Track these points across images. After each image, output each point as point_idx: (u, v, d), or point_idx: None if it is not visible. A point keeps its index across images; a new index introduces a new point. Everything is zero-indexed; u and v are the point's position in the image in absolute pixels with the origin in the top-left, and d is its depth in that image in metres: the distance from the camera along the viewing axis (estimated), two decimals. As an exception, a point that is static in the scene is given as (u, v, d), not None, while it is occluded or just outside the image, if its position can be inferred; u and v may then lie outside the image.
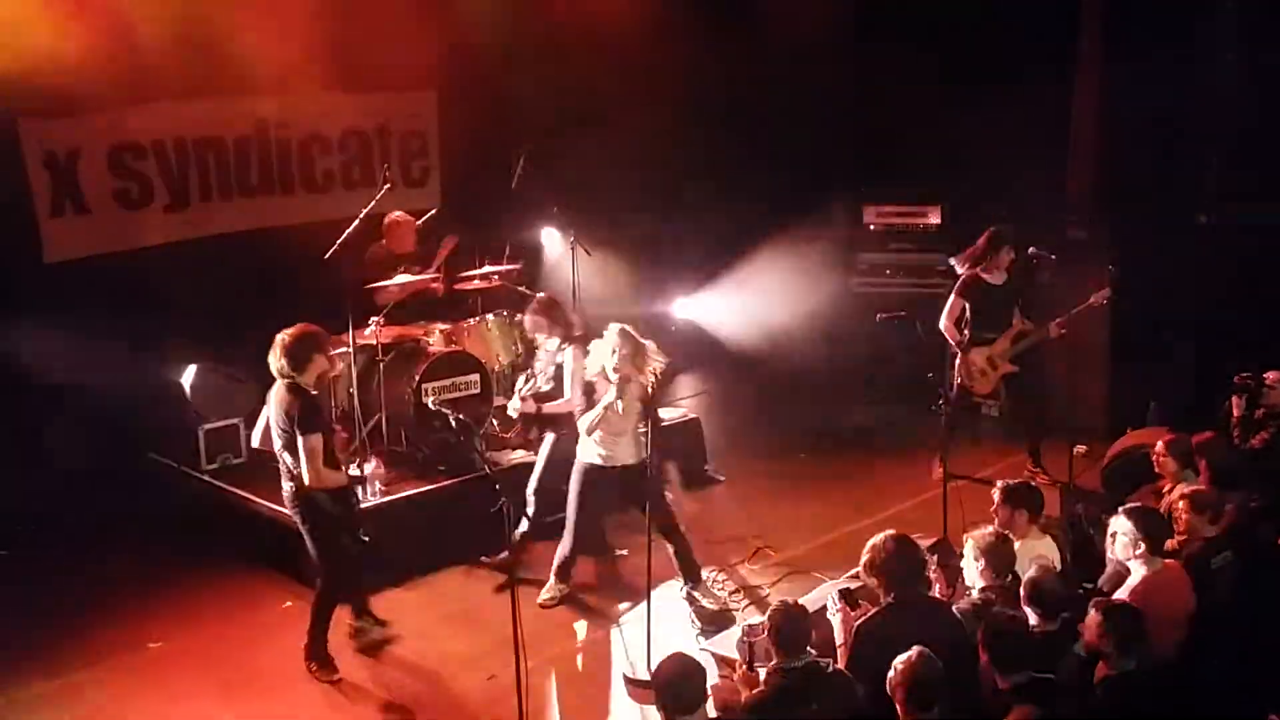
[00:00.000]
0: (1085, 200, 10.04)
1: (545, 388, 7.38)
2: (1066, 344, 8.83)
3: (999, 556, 5.57)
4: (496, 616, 6.77)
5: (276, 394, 6.19)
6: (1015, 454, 8.93)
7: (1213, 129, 9.54)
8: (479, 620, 6.97)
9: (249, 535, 7.53)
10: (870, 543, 5.36)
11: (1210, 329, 9.07)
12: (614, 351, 6.65)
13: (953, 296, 8.53)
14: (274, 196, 9.61)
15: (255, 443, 6.61)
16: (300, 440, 6.02)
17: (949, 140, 10.51)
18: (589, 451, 6.94)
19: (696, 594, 7.11)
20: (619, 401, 6.66)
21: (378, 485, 7.54)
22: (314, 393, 6.24)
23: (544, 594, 7.16)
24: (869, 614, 5.26)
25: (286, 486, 6.29)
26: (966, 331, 8.49)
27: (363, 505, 6.67)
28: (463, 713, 6.11)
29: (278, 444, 6.21)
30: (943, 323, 8.48)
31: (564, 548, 7.14)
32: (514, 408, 7.53)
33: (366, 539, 6.42)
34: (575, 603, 7.22)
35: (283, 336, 6.16)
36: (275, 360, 6.15)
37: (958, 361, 8.45)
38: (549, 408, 7.23)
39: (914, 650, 4.57)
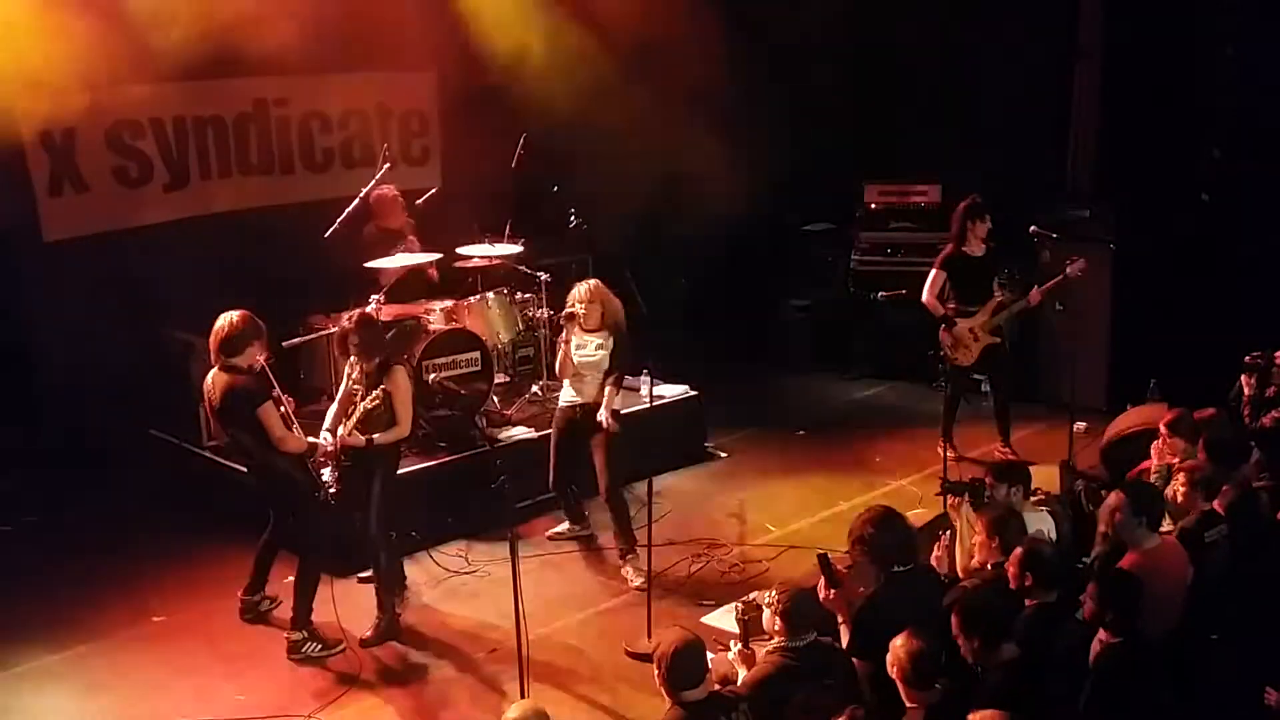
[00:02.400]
0: (1086, 177, 10.03)
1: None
2: (1067, 320, 8.85)
3: (1010, 534, 5.58)
4: (498, 590, 6.81)
5: (216, 381, 6.24)
6: (1015, 431, 8.94)
7: (1214, 105, 9.51)
8: (481, 594, 7.00)
9: (249, 510, 7.54)
10: (855, 519, 5.38)
11: (1211, 306, 9.08)
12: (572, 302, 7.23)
13: (933, 270, 8.65)
14: (274, 175, 9.60)
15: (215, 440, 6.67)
16: (258, 412, 6.12)
17: (950, 118, 10.51)
18: (563, 395, 7.37)
19: (624, 563, 7.22)
20: (574, 345, 7.17)
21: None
22: (249, 369, 6.25)
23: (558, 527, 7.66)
24: (866, 594, 5.27)
25: (251, 465, 6.41)
26: (950, 305, 8.58)
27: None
28: (464, 685, 6.13)
29: (229, 428, 6.30)
30: (925, 297, 8.62)
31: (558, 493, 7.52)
32: (327, 440, 6.43)
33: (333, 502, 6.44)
34: (576, 576, 7.26)
35: (220, 324, 6.21)
36: (214, 346, 6.21)
37: (941, 333, 8.57)
38: (381, 438, 6.35)
39: (908, 630, 4.57)
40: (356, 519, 6.52)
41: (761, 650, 5.15)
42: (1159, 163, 9.58)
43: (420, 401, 7.68)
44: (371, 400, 6.28)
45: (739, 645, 5.36)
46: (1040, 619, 5.01)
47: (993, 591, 5.13)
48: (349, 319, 6.56)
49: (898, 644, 4.54)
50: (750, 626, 5.36)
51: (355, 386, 6.50)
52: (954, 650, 4.74)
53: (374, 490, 6.44)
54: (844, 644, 5.14)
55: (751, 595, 5.79)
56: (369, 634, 6.46)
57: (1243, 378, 7.49)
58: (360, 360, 6.46)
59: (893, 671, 4.56)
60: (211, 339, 6.24)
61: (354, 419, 6.31)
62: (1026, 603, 5.10)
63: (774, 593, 5.00)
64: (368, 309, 6.74)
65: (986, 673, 4.71)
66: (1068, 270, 8.50)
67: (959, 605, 4.86)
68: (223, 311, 6.30)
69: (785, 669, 4.85)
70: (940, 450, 8.53)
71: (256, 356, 6.27)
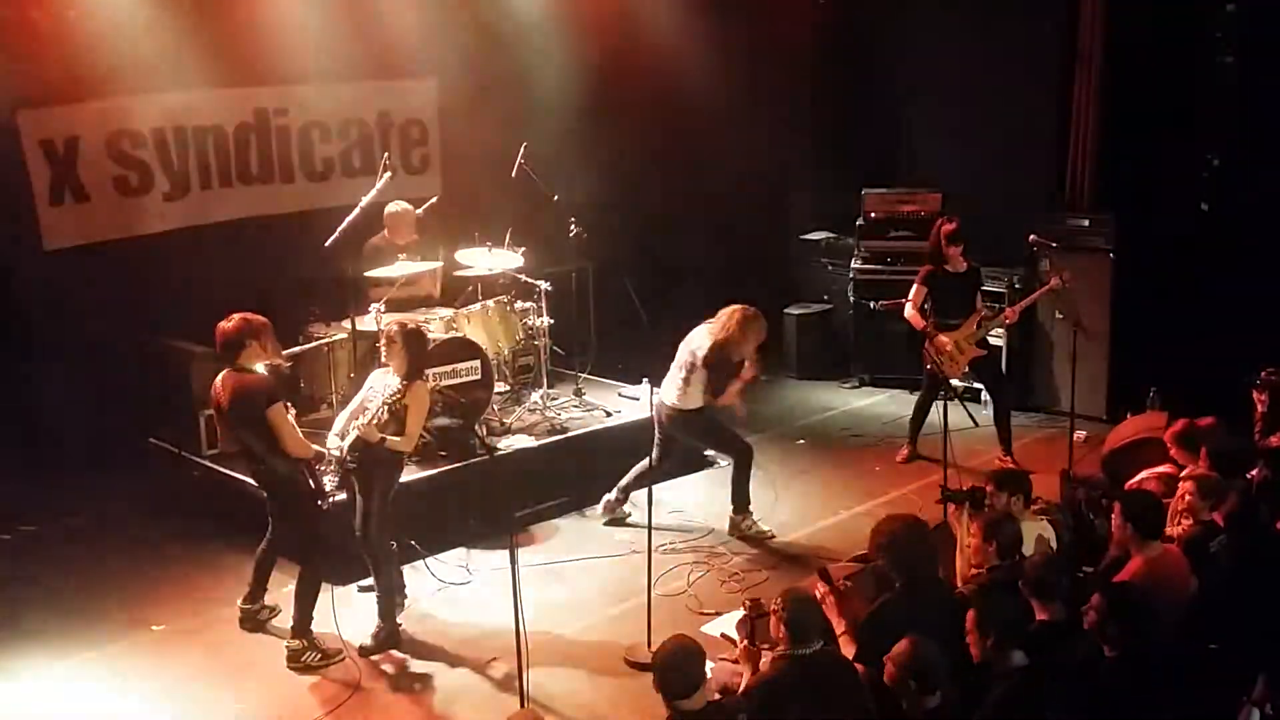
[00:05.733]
0: (1085, 186, 10.03)
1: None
2: (1067, 329, 8.87)
3: (1006, 537, 5.61)
4: (498, 600, 6.80)
5: (225, 381, 6.26)
6: (1015, 439, 8.93)
7: (1214, 113, 9.52)
8: (480, 603, 6.99)
9: (249, 519, 7.55)
10: (879, 525, 5.38)
11: (1210, 314, 9.08)
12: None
13: (915, 285, 8.76)
14: (274, 185, 9.61)
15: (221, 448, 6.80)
16: (266, 413, 6.12)
17: (950, 127, 10.52)
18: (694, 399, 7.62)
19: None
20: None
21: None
22: (260, 370, 6.28)
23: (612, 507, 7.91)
24: (882, 600, 5.27)
25: (254, 470, 6.42)
26: (931, 318, 8.67)
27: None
28: (465, 694, 6.13)
29: (235, 430, 6.31)
30: (907, 310, 8.74)
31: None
32: (335, 445, 6.44)
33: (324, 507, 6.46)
34: (576, 584, 7.26)
35: (221, 325, 6.24)
36: (218, 351, 6.27)
37: (925, 346, 8.65)
38: (391, 442, 6.29)
39: (905, 640, 4.55)
40: (356, 527, 6.51)
41: (766, 655, 5.13)
42: (1158, 171, 9.59)
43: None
44: (393, 397, 6.30)
45: (744, 643, 5.30)
46: (1048, 631, 5.01)
47: (1012, 594, 5.13)
48: (395, 327, 6.55)
49: (894, 654, 4.53)
50: (757, 628, 5.34)
51: (374, 395, 6.48)
52: (955, 661, 4.73)
53: (374, 498, 6.44)
54: (844, 652, 5.13)
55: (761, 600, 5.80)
56: (369, 642, 6.46)
57: (1254, 393, 7.47)
58: (394, 370, 6.44)
59: (892, 682, 4.54)
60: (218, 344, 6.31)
61: (373, 414, 6.31)
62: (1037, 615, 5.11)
63: (779, 600, 4.97)
64: (421, 322, 6.84)
65: (994, 679, 4.71)
66: (1051, 283, 8.57)
67: (976, 602, 4.85)
68: (222, 320, 6.33)
69: (788, 677, 4.81)
70: (906, 452, 8.92)
71: (264, 355, 6.29)
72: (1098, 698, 4.70)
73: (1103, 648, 4.84)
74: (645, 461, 7.71)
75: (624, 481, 7.90)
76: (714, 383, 7.56)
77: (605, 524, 7.93)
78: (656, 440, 7.75)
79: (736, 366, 7.62)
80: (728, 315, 7.56)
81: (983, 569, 5.61)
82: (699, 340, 7.62)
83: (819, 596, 5.29)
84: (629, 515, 7.95)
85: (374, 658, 6.40)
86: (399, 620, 6.61)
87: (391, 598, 6.59)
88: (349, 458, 6.37)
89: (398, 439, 6.35)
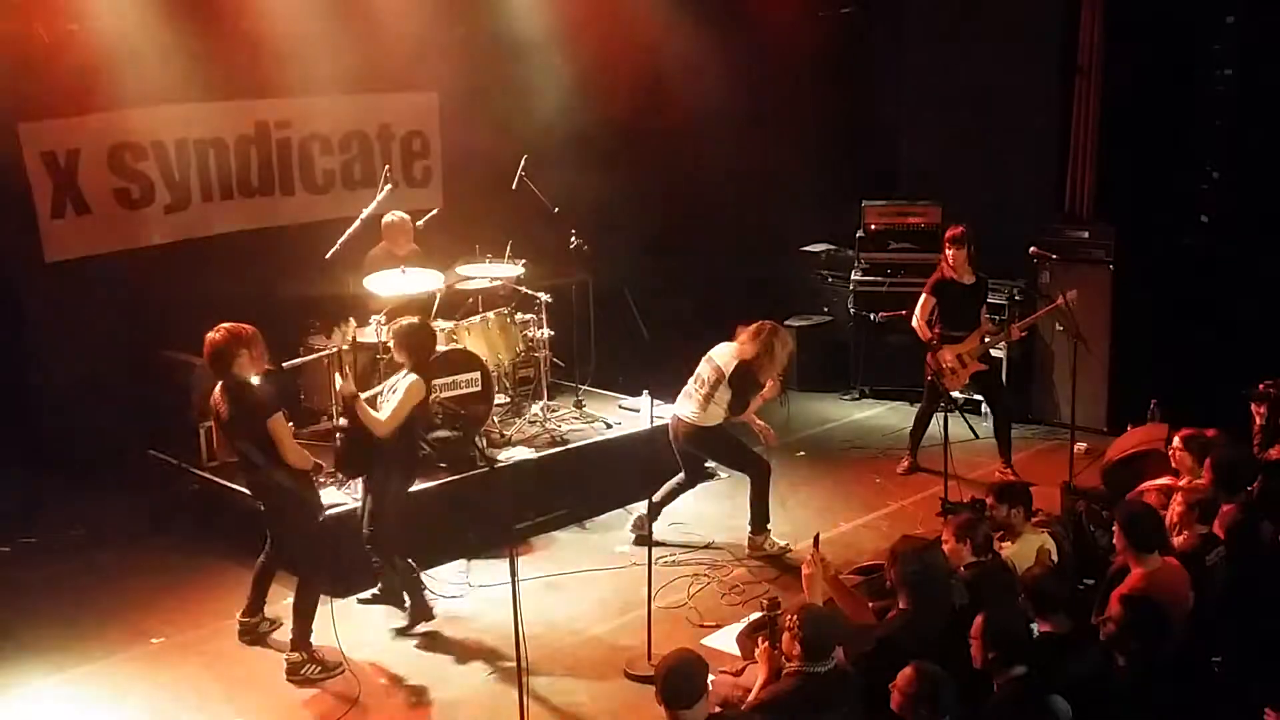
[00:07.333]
0: (1086, 197, 10.05)
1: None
2: (1067, 341, 8.87)
3: (979, 537, 5.73)
4: (498, 612, 6.80)
5: (223, 395, 6.27)
6: (1016, 452, 8.93)
7: (1213, 126, 9.54)
8: (480, 615, 6.98)
9: (249, 531, 7.54)
10: (896, 550, 5.39)
11: (1211, 326, 9.09)
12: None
13: (923, 295, 8.72)
14: (274, 197, 9.62)
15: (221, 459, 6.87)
16: (267, 424, 6.13)
17: (951, 139, 10.54)
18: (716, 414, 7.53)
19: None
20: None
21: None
22: (256, 380, 6.28)
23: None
24: (889, 621, 5.28)
25: (249, 479, 6.41)
26: (937, 329, 8.63)
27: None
28: (464, 708, 6.11)
29: (236, 441, 6.33)
30: (914, 320, 8.70)
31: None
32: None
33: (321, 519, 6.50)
34: (576, 597, 7.24)
35: (210, 338, 6.22)
36: (210, 362, 6.26)
37: (929, 358, 8.62)
38: (366, 409, 6.38)
39: (910, 665, 4.54)
40: (364, 526, 6.62)
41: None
42: (1158, 183, 9.61)
43: (421, 422, 7.69)
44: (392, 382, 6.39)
45: (764, 644, 5.25)
46: (1051, 643, 5.01)
47: (1019, 611, 5.15)
48: (398, 326, 6.67)
49: (901, 683, 4.50)
50: (773, 631, 5.29)
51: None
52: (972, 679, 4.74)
53: (385, 500, 6.54)
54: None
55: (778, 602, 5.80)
56: (403, 622, 6.66)
57: (1253, 406, 7.46)
58: (396, 357, 6.59)
59: (900, 710, 4.51)
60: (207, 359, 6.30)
61: (353, 380, 6.47)
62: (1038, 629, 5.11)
63: (794, 616, 4.94)
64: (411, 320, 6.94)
65: (996, 687, 4.71)
66: (1057, 301, 8.57)
67: (985, 615, 4.85)
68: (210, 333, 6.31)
69: (800, 693, 4.79)
70: (906, 464, 8.91)
71: (257, 364, 6.28)
72: (1108, 707, 4.69)
73: (1111, 657, 4.85)
74: (678, 477, 7.68)
75: (657, 498, 7.71)
76: (738, 400, 7.46)
77: (635, 542, 7.76)
78: (679, 457, 7.70)
79: (760, 384, 7.53)
80: (756, 331, 7.41)
81: (958, 569, 5.66)
82: (725, 357, 7.51)
83: (806, 563, 5.53)
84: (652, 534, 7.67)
85: (371, 673, 6.37)
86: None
87: (412, 579, 6.70)
88: (340, 432, 6.48)
89: (375, 413, 6.40)
